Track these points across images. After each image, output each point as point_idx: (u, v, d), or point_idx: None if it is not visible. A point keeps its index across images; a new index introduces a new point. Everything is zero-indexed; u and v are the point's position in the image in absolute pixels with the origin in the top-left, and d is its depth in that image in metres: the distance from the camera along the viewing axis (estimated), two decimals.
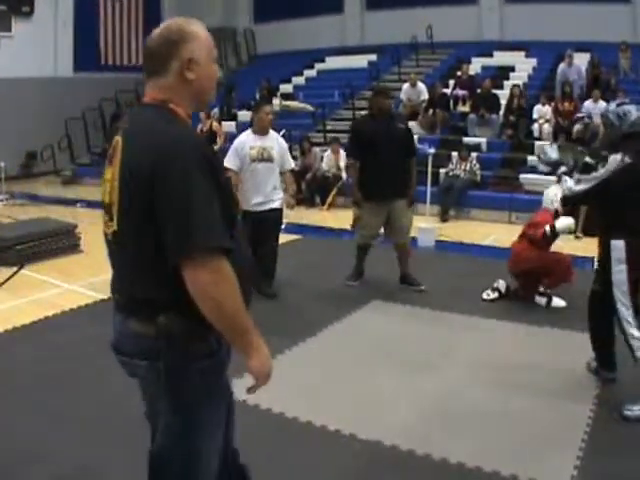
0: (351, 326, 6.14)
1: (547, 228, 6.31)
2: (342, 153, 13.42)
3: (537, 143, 12.95)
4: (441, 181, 12.34)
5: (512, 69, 16.64)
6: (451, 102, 15.44)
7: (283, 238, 7.43)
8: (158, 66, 2.17)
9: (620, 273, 4.33)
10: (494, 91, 14.65)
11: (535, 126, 13.56)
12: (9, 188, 14.58)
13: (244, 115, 15.81)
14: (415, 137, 7.90)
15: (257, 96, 16.94)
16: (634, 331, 4.33)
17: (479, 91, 14.76)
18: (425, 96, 15.18)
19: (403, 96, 15.14)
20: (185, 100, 2.19)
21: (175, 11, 20.62)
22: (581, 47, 15.19)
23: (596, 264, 4.71)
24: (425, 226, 9.49)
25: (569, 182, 4.60)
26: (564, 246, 7.59)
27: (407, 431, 4.11)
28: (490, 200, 11.81)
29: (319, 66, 20.17)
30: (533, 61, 16.89)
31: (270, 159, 6.66)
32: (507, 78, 16.08)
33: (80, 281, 7.58)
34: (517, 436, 4.04)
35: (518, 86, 14.36)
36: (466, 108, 15.03)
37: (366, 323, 6.24)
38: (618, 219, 4.35)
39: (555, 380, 4.79)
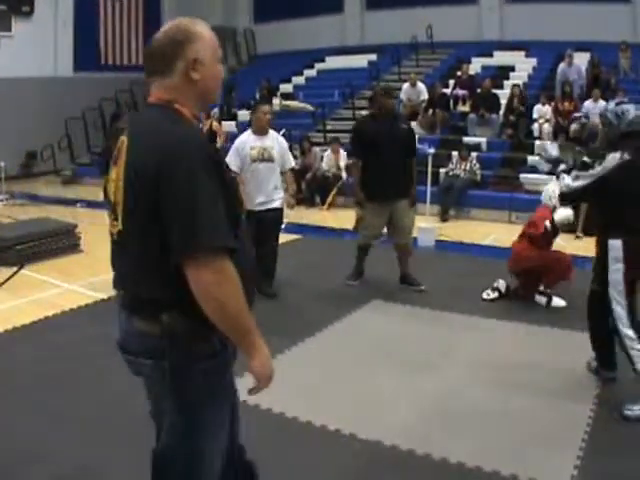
0: (351, 326, 6.14)
1: (547, 223, 6.32)
2: (342, 153, 13.45)
3: (537, 142, 12.96)
4: (441, 181, 12.34)
5: (512, 69, 16.64)
6: (451, 102, 15.46)
7: (283, 238, 7.43)
8: (163, 66, 2.17)
9: (617, 272, 4.34)
10: (494, 91, 14.66)
11: (535, 126, 13.57)
12: (9, 188, 14.57)
13: (244, 115, 15.80)
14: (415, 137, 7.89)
15: (257, 96, 16.94)
16: (629, 331, 4.34)
17: (479, 91, 14.77)
18: (425, 96, 15.19)
19: (403, 96, 15.13)
20: (190, 100, 2.19)
21: (175, 11, 20.60)
22: (581, 47, 15.19)
23: (594, 263, 4.70)
24: (425, 226, 9.49)
25: (567, 179, 4.60)
26: (566, 246, 7.60)
27: (407, 431, 4.11)
28: (490, 200, 11.81)
29: (319, 66, 20.18)
30: (533, 61, 16.90)
31: (271, 159, 6.66)
32: (507, 78, 16.09)
33: (80, 281, 7.58)
34: (517, 436, 4.04)
35: (518, 86, 14.38)
36: (466, 108, 15.04)
37: (366, 323, 6.24)
38: (616, 217, 4.35)
39: (555, 380, 4.79)
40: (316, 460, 3.80)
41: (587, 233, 9.14)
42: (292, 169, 7.12)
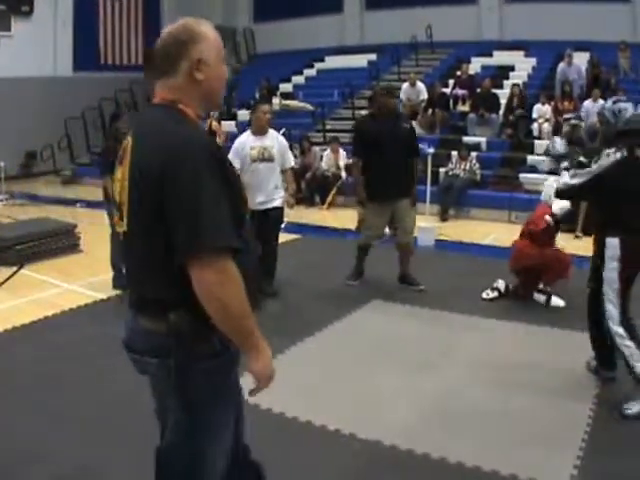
0: (351, 326, 6.14)
1: (547, 218, 6.31)
2: (342, 152, 13.45)
3: (537, 142, 12.97)
4: (441, 180, 12.34)
5: (512, 69, 16.65)
6: (451, 102, 15.46)
7: (283, 237, 7.43)
8: (167, 66, 2.17)
9: (612, 271, 4.35)
10: (494, 91, 14.67)
11: (535, 125, 13.57)
12: (9, 188, 14.58)
13: (244, 114, 15.80)
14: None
15: (257, 95, 16.94)
16: (619, 329, 4.36)
17: (479, 91, 14.78)
18: (425, 96, 15.19)
19: (403, 96, 15.13)
20: (194, 100, 2.19)
21: (175, 11, 20.58)
22: (580, 46, 15.19)
23: (591, 262, 4.71)
24: (425, 225, 9.48)
25: (565, 177, 4.62)
26: (566, 246, 7.59)
27: (406, 431, 4.11)
28: (490, 199, 11.81)
29: (319, 65, 20.19)
30: (533, 60, 16.90)
31: (271, 159, 6.66)
32: (507, 78, 16.09)
33: (80, 281, 7.58)
34: (517, 435, 4.04)
35: (518, 85, 14.37)
36: (466, 108, 15.05)
37: (366, 323, 6.24)
38: (614, 215, 4.37)
39: (555, 379, 4.79)
40: (316, 460, 3.80)
41: (586, 233, 9.15)
42: (292, 168, 7.12)
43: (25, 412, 4.32)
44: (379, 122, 6.95)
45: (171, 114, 2.14)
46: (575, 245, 8.73)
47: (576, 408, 4.36)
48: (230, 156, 6.60)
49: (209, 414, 2.22)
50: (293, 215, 9.13)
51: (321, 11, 20.89)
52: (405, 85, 15.35)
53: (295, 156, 9.92)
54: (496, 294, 6.77)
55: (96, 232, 8.57)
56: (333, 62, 19.88)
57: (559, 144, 4.88)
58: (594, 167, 4.40)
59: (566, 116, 12.85)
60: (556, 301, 6.51)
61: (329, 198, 13.07)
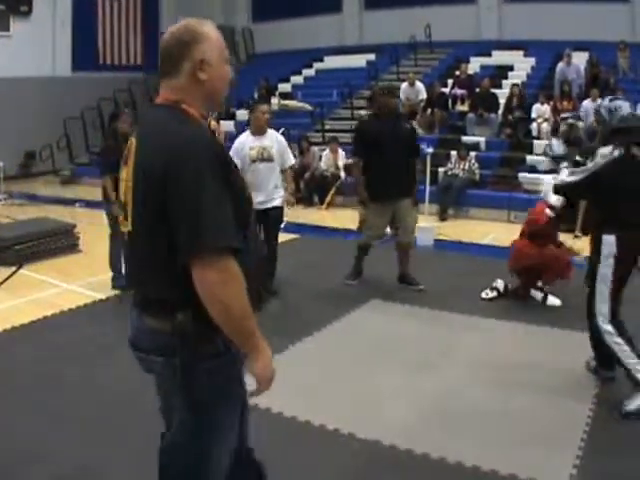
0: (350, 325, 6.15)
1: (548, 211, 6.31)
2: (341, 152, 13.46)
3: (536, 142, 12.97)
4: (440, 180, 12.33)
5: (511, 68, 16.66)
6: (450, 101, 15.47)
7: (282, 237, 7.42)
8: (170, 67, 2.17)
9: (607, 268, 4.37)
10: (493, 90, 14.67)
11: (534, 125, 13.58)
12: (8, 188, 14.58)
13: (242, 114, 15.80)
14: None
15: (255, 95, 16.94)
16: (608, 327, 4.40)
17: (478, 90, 14.79)
18: (424, 95, 15.20)
19: (402, 96, 15.11)
20: (197, 100, 2.19)
21: (173, 10, 20.59)
22: (580, 46, 15.20)
23: (588, 260, 4.73)
24: (424, 225, 9.48)
25: (562, 175, 4.64)
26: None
27: (406, 430, 4.11)
28: (489, 199, 11.81)
29: (318, 65, 20.19)
30: (532, 60, 16.90)
31: (270, 158, 6.66)
32: (506, 77, 16.10)
33: (79, 281, 7.58)
34: (516, 435, 4.04)
35: (518, 85, 14.38)
36: (465, 107, 15.06)
37: (365, 322, 6.24)
38: (610, 213, 4.39)
39: (554, 379, 4.79)
40: (314, 460, 3.81)
41: (585, 232, 9.15)
42: (291, 167, 7.12)
43: (25, 412, 4.32)
44: (380, 122, 6.96)
45: (174, 114, 2.15)
46: (575, 245, 8.73)
47: (576, 408, 4.36)
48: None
49: (214, 414, 2.22)
50: (292, 215, 9.12)
51: (320, 11, 20.90)
52: (404, 85, 15.36)
53: (294, 156, 9.93)
54: (495, 294, 6.78)
55: (95, 232, 8.58)
56: (332, 62, 19.88)
57: (556, 145, 4.89)
58: (590, 165, 4.43)
59: (563, 115, 12.86)
60: (552, 300, 6.52)
61: (328, 198, 13.07)
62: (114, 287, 7.12)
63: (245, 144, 6.67)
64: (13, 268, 7.95)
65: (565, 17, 16.46)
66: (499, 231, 10.25)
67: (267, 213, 6.59)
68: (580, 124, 11.80)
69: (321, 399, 4.57)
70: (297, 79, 19.72)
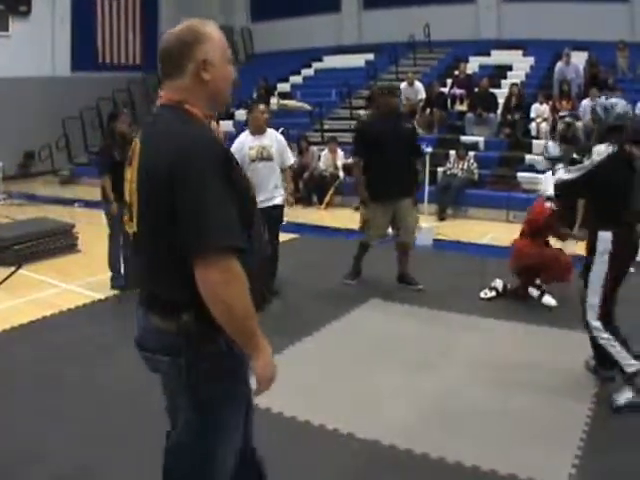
0: (349, 325, 6.15)
1: (548, 204, 6.30)
2: (340, 152, 13.47)
3: (535, 142, 12.98)
4: (439, 180, 12.34)
5: (510, 68, 16.65)
6: (449, 101, 15.45)
7: (281, 237, 7.42)
8: (173, 67, 2.18)
9: (602, 264, 4.40)
10: (491, 90, 14.66)
11: (533, 125, 13.59)
12: (7, 188, 14.60)
13: (241, 114, 15.79)
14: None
15: (254, 95, 16.94)
16: (596, 323, 4.45)
17: (476, 90, 14.78)
18: (423, 95, 15.20)
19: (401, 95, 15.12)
20: (201, 101, 2.20)
21: (172, 10, 20.59)
22: (579, 46, 15.18)
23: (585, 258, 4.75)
24: (423, 225, 9.48)
25: (560, 173, 4.66)
26: (566, 245, 7.59)
27: (405, 430, 4.12)
28: (488, 199, 11.80)
29: (316, 65, 20.18)
30: (531, 60, 16.90)
31: (269, 158, 6.66)
32: (505, 77, 16.10)
33: (78, 281, 7.58)
34: (516, 435, 4.05)
35: (516, 85, 14.38)
36: (464, 107, 15.04)
37: (364, 322, 6.25)
38: (607, 209, 4.42)
39: (554, 379, 4.80)
40: (314, 459, 3.81)
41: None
42: (291, 167, 7.12)
43: (25, 412, 4.33)
44: (380, 121, 6.96)
45: (178, 115, 2.15)
46: (574, 244, 8.73)
47: (575, 407, 4.37)
48: None
49: (219, 414, 2.23)
50: (291, 215, 9.12)
51: (319, 11, 20.89)
52: (403, 85, 15.35)
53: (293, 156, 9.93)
54: (494, 294, 6.79)
55: (94, 232, 8.58)
56: (331, 62, 19.88)
57: (552, 147, 4.91)
58: (586, 163, 4.45)
59: (561, 114, 12.85)
60: (548, 300, 6.52)
61: (327, 198, 13.07)
62: (113, 287, 7.12)
63: (244, 144, 6.67)
64: (12, 268, 7.95)
65: (564, 17, 16.45)
66: (498, 231, 10.25)
67: (268, 212, 6.59)
68: (579, 123, 11.80)
69: (321, 399, 4.58)
70: (296, 79, 19.72)
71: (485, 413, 4.33)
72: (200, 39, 2.16)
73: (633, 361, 4.36)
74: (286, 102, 17.35)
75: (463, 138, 13.83)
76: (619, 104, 4.51)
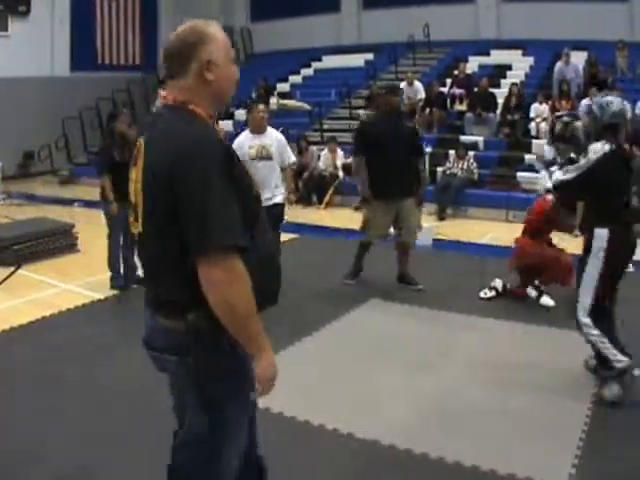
0: (349, 325, 6.15)
1: (548, 197, 6.28)
2: (339, 152, 13.48)
3: (534, 141, 12.98)
4: (438, 180, 12.35)
5: (509, 68, 16.65)
6: (448, 101, 15.45)
7: (281, 237, 7.42)
8: (177, 68, 2.19)
9: (596, 261, 4.42)
10: (491, 90, 14.67)
11: (532, 125, 13.59)
12: (6, 188, 14.59)
13: (241, 114, 15.80)
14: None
15: (254, 95, 16.94)
16: (586, 319, 4.46)
17: (476, 90, 14.79)
18: (422, 95, 15.21)
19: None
20: (205, 101, 2.21)
21: (172, 10, 20.60)
22: (578, 45, 15.19)
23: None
24: (423, 225, 9.48)
25: (557, 173, 4.66)
26: (567, 246, 7.59)
27: (405, 430, 4.12)
28: (487, 198, 11.81)
29: (316, 65, 20.18)
30: (530, 59, 16.90)
31: (269, 157, 6.66)
32: (504, 77, 16.10)
33: (77, 281, 7.58)
34: (515, 435, 4.05)
35: (516, 84, 14.38)
36: (463, 107, 15.05)
37: (364, 322, 6.25)
38: (604, 207, 4.42)
39: (553, 379, 4.80)
40: (314, 459, 3.81)
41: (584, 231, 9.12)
42: (292, 165, 7.12)
43: (25, 412, 4.33)
44: (381, 121, 6.97)
45: (181, 115, 2.16)
46: (574, 244, 8.72)
47: (575, 407, 4.37)
48: None
49: (226, 413, 2.24)
50: (291, 215, 9.12)
51: (318, 10, 20.89)
52: (403, 84, 15.34)
53: None
54: (494, 293, 6.79)
55: (93, 232, 8.58)
56: (330, 61, 19.88)
57: (547, 151, 4.91)
58: (582, 162, 4.45)
59: (557, 114, 12.81)
60: (546, 300, 6.52)
61: (326, 198, 13.08)
62: (112, 287, 7.12)
63: (244, 143, 6.67)
64: (12, 268, 7.96)
65: (563, 16, 16.46)
66: (497, 230, 10.26)
67: (268, 211, 6.58)
68: (578, 123, 11.79)
69: (320, 399, 4.58)
70: (295, 79, 19.73)
71: (484, 413, 4.33)
72: (204, 40, 2.17)
73: (622, 357, 4.38)
74: (286, 102, 17.36)
75: (463, 138, 13.84)
76: (615, 102, 4.52)
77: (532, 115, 13.71)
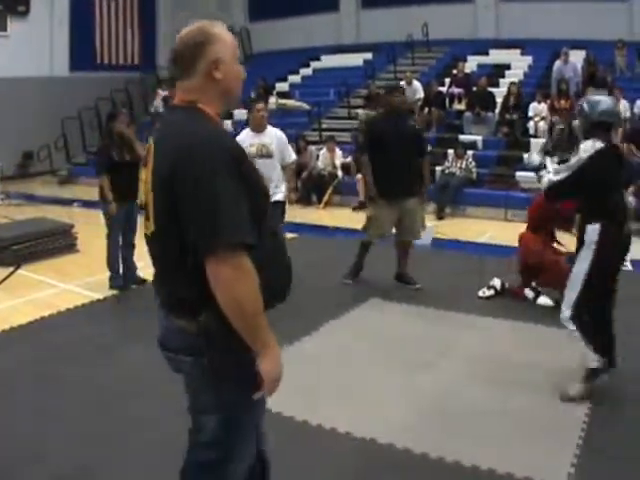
0: (349, 324, 6.15)
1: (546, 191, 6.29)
2: (338, 151, 13.49)
3: (533, 141, 12.98)
4: (437, 179, 12.34)
5: (508, 67, 16.66)
6: (447, 100, 15.46)
7: None
8: (186, 68, 2.21)
9: (587, 256, 4.40)
10: (490, 89, 14.68)
11: (531, 124, 13.60)
12: (5, 188, 14.59)
13: (240, 113, 15.79)
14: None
15: (253, 95, 16.93)
16: (567, 312, 4.45)
17: (475, 89, 14.79)
18: (421, 94, 15.23)
19: None
20: (214, 100, 2.23)
21: (170, 10, 20.60)
22: (577, 45, 15.21)
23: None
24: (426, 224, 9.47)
25: (549, 175, 4.65)
26: (568, 243, 7.59)
27: (404, 430, 4.12)
28: (486, 198, 11.82)
29: (315, 64, 20.18)
30: (529, 59, 16.91)
31: (269, 155, 6.67)
32: (503, 76, 16.11)
33: (76, 281, 7.58)
34: (515, 434, 4.05)
35: (515, 84, 14.38)
36: (462, 106, 15.05)
37: (364, 321, 6.25)
38: (598, 205, 4.41)
39: (553, 378, 4.78)
40: (312, 459, 3.81)
41: None
42: (292, 164, 7.13)
43: (25, 412, 4.33)
44: (384, 120, 6.98)
45: (190, 114, 2.18)
46: (574, 244, 8.73)
47: (574, 407, 4.37)
48: None
49: (241, 413, 2.26)
50: (290, 214, 9.11)
51: (317, 10, 20.90)
52: (402, 84, 15.35)
53: None
54: (492, 292, 6.79)
55: (93, 232, 8.57)
56: (329, 61, 19.89)
57: (534, 157, 4.90)
58: (573, 161, 4.45)
59: (555, 125, 12.80)
60: (545, 300, 6.52)
61: (325, 197, 13.08)
62: (112, 287, 7.12)
63: (245, 141, 6.67)
64: (11, 268, 7.96)
65: (562, 15, 16.48)
66: (496, 229, 10.27)
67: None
68: (575, 122, 11.80)
69: (319, 398, 4.58)
70: (294, 78, 19.73)
71: (484, 413, 4.33)
72: (211, 40, 2.19)
73: (597, 357, 4.38)
74: (285, 101, 17.36)
75: (461, 137, 13.85)
76: (603, 100, 4.56)
77: (531, 114, 13.71)
